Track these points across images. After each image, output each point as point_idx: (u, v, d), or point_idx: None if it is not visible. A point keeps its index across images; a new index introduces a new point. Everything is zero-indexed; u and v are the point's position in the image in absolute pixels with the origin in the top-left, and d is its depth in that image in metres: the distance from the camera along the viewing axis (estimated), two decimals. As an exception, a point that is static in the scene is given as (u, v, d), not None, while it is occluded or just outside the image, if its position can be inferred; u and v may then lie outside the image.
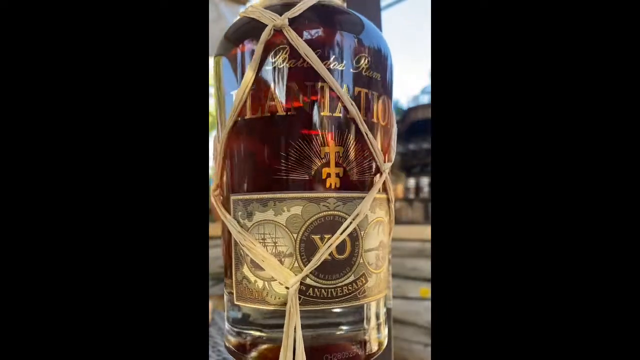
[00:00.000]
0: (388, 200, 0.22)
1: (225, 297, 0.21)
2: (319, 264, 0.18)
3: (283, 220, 0.18)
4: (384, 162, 0.21)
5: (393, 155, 0.22)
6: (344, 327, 0.20)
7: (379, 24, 0.36)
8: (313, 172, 0.19)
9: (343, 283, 0.19)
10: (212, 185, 0.20)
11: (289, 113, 0.18)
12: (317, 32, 0.19)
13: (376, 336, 0.20)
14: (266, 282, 0.18)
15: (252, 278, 0.19)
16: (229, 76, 0.20)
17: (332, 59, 0.19)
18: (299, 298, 0.18)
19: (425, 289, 1.20)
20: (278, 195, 0.18)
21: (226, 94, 0.20)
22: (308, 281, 0.18)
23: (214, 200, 0.20)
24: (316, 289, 0.19)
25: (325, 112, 0.19)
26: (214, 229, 0.27)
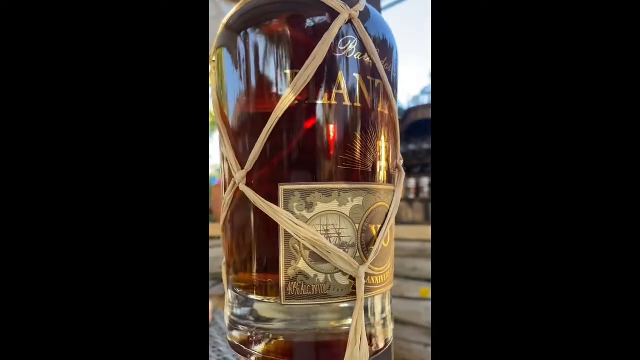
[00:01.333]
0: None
1: (231, 294, 0.21)
2: (378, 252, 0.19)
3: (347, 210, 0.18)
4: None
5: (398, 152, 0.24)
6: (349, 321, 0.19)
7: (379, 24, 0.36)
8: (371, 165, 0.19)
9: (386, 269, 0.20)
10: (238, 174, 0.19)
11: (354, 104, 0.18)
12: (375, 31, 0.20)
13: (382, 330, 0.20)
14: (328, 275, 0.18)
15: (312, 272, 0.18)
16: (231, 67, 0.19)
17: (385, 59, 0.20)
18: None
19: (425, 289, 1.20)
20: (343, 185, 0.18)
21: (228, 85, 0.20)
22: (367, 270, 0.19)
23: (247, 190, 0.19)
24: (372, 277, 0.19)
25: (380, 108, 0.19)
26: (214, 229, 0.26)
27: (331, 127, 0.18)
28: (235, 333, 0.20)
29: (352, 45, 0.18)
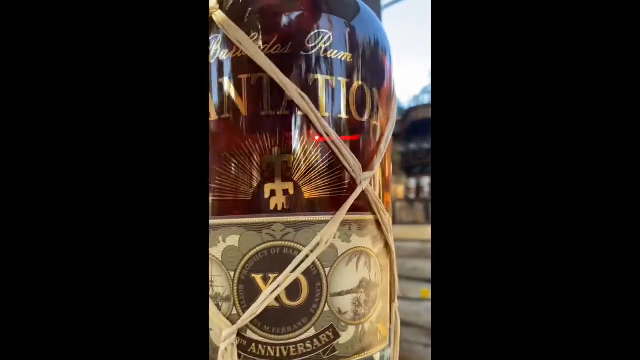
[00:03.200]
0: (378, 222, 0.16)
1: None
2: (259, 312, 0.14)
3: (219, 253, 0.15)
4: (362, 170, 0.15)
5: (378, 162, 0.16)
6: None
7: (379, 24, 0.36)
8: (253, 190, 0.14)
9: (299, 339, 0.14)
10: None
11: (221, 116, 0.15)
12: (253, 10, 0.15)
13: None
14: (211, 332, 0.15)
15: None
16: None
17: (273, 41, 0.14)
18: (239, 356, 0.14)
19: (426, 290, 1.20)
20: (211, 221, 0.15)
21: None
22: (250, 334, 0.14)
23: None
24: (261, 346, 0.14)
25: (267, 111, 0.14)
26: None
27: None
28: None
29: (216, 46, 0.15)
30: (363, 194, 0.15)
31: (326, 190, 0.15)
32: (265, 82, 0.14)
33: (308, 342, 0.14)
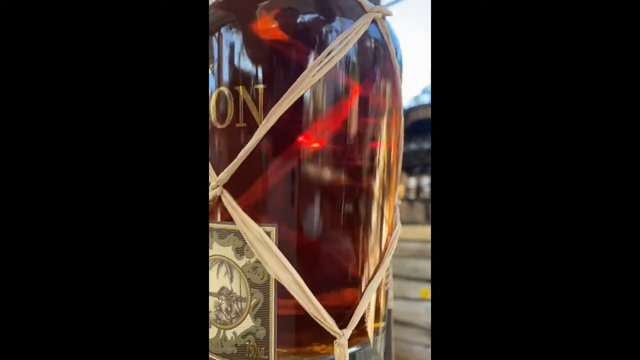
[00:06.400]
0: (237, 232, 0.14)
1: None
2: None
3: None
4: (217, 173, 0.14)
5: (233, 169, 0.15)
6: None
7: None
8: None
9: None
10: None
11: None
12: None
13: None
14: None
15: None
16: None
17: None
18: None
19: (426, 290, 1.20)
20: None
21: None
22: None
23: None
24: None
25: None
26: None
27: None
28: None
29: None
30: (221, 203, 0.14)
31: None
32: None
33: None
